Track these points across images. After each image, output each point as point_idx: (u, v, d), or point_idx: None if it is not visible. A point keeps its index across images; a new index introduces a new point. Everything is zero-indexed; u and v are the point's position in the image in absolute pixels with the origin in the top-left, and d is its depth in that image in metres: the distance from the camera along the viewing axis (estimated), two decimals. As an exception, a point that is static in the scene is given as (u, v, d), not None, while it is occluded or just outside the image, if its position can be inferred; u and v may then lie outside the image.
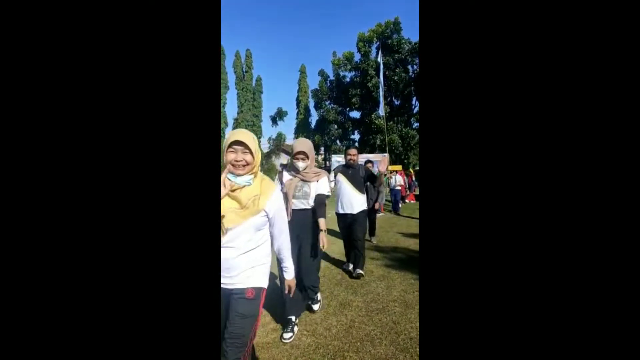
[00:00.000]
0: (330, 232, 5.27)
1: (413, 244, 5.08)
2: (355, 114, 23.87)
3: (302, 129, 27.42)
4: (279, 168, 3.02)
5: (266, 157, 32.28)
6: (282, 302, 2.34)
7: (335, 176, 3.64)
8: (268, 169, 31.56)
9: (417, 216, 8.60)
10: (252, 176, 1.33)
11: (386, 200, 9.87)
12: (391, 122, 20.56)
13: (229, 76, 28.17)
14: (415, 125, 21.54)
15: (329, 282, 3.28)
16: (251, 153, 1.30)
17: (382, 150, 18.71)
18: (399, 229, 6.63)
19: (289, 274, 1.54)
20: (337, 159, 14.51)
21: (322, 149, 26.64)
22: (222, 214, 1.25)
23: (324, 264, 3.98)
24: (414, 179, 13.14)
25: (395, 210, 9.16)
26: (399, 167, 11.56)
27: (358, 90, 21.81)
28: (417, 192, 12.72)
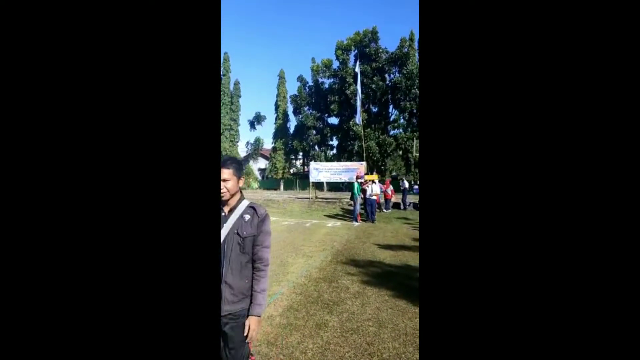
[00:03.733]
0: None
1: (388, 257, 5.22)
2: (334, 120, 24.14)
3: (280, 134, 27.37)
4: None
5: (244, 161, 31.95)
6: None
7: None
8: (246, 174, 31.23)
9: (392, 225, 8.80)
10: None
11: (361, 208, 10.02)
12: (369, 129, 20.94)
13: (206, 79, 27.72)
14: (392, 132, 22.04)
15: (305, 301, 3.33)
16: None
17: (360, 157, 19.01)
18: (375, 239, 6.78)
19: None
20: (315, 166, 14.54)
21: (301, 154, 26.67)
22: None
23: (300, 279, 4.03)
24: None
25: (371, 219, 9.33)
26: (375, 177, 11.76)
27: (336, 97, 22.07)
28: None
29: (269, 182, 30.60)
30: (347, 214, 11.01)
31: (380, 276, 4.18)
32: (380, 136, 21.09)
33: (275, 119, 28.28)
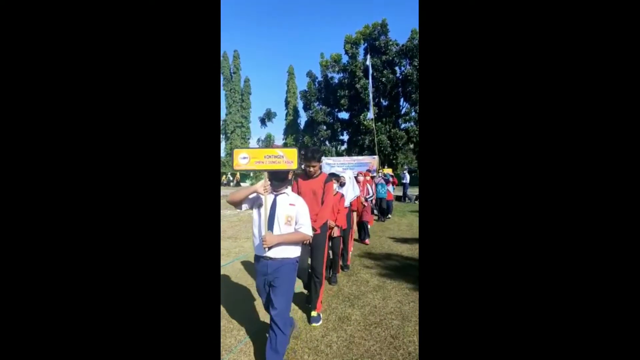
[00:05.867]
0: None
1: (405, 250, 5.18)
2: (344, 115, 24.00)
3: (291, 130, 27.39)
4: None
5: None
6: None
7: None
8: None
9: (406, 219, 8.74)
10: None
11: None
12: (379, 123, 20.76)
13: (216, 77, 27.97)
14: (403, 126, 21.81)
15: (326, 294, 3.33)
16: None
17: (371, 151, 18.89)
18: (390, 233, 6.74)
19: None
20: (327, 162, 14.54)
21: (312, 150, 26.67)
22: None
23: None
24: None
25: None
26: (390, 170, 11.67)
27: (346, 91, 21.91)
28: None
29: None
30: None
31: (399, 269, 4.16)
32: (392, 130, 20.89)
33: (286, 115, 28.29)
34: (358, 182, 5.47)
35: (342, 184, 4.33)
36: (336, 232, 3.54)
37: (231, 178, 27.98)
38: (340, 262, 4.17)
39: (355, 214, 4.69)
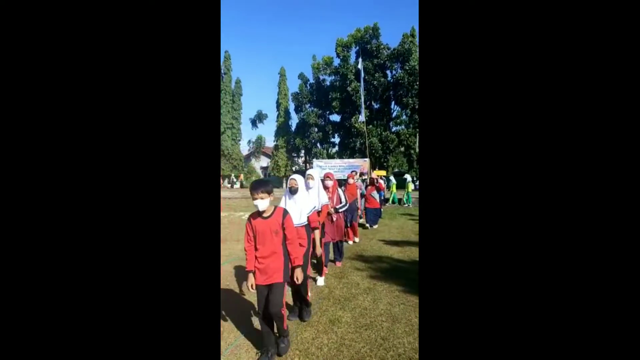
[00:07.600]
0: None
1: (396, 253, 5.22)
2: (336, 117, 24.11)
3: (282, 131, 27.34)
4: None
5: (245, 159, 31.97)
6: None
7: None
8: (248, 172, 31.29)
9: (397, 221, 8.79)
10: None
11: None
12: (371, 126, 20.90)
13: (207, 78, 27.69)
14: (394, 128, 22.00)
15: (316, 297, 3.34)
16: None
17: (362, 153, 19.00)
18: (381, 236, 6.78)
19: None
20: (319, 164, 14.56)
21: (303, 152, 26.67)
22: None
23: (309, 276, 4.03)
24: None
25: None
26: (383, 172, 11.74)
27: (338, 94, 22.02)
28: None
29: (271, 180, 30.67)
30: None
31: (390, 272, 4.18)
32: (383, 133, 21.06)
33: (277, 117, 28.21)
34: (326, 187, 4.08)
35: (308, 187, 2.99)
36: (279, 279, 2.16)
37: (235, 180, 27.69)
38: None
39: (316, 231, 2.97)
